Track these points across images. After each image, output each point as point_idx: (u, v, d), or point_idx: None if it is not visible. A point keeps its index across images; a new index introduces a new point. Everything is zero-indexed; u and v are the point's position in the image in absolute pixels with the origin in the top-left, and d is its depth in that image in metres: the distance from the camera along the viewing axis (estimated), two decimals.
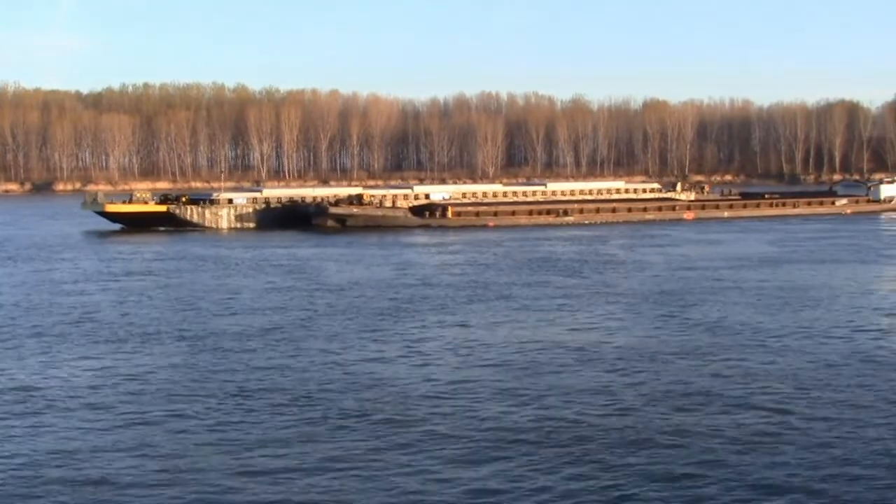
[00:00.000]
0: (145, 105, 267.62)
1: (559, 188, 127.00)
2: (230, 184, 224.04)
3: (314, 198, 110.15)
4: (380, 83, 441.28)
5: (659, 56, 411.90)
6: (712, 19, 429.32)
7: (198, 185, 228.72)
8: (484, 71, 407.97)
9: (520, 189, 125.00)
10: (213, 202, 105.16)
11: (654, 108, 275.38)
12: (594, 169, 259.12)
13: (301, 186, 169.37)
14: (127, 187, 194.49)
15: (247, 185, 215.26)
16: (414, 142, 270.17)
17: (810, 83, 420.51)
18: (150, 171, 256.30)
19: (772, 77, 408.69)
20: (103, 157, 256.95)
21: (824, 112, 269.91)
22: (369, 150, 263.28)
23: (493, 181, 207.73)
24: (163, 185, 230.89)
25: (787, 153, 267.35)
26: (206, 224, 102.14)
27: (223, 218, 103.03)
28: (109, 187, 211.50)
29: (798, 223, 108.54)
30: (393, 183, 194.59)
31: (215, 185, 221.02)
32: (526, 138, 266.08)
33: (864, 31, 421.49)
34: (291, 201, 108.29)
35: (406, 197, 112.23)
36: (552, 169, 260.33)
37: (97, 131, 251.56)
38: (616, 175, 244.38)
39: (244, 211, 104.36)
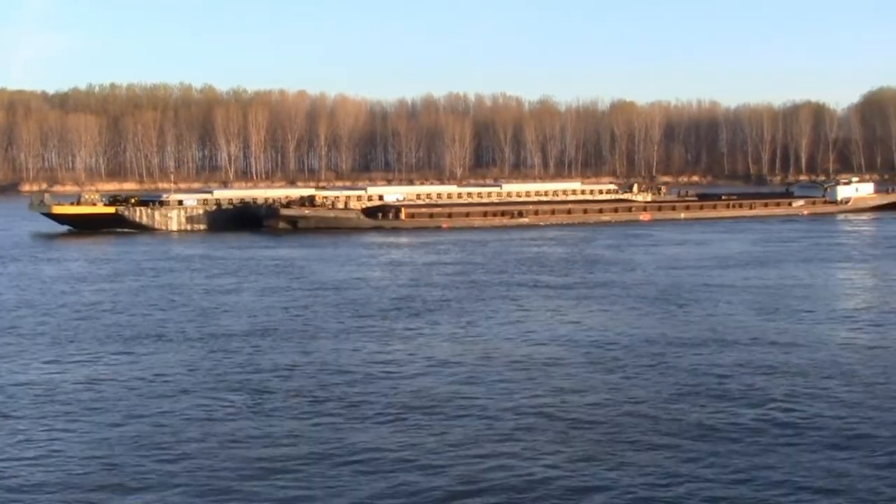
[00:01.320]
0: (112, 105, 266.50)
1: (515, 189, 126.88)
2: (198, 184, 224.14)
3: (266, 199, 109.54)
4: (348, 84, 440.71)
5: (626, 57, 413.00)
6: (679, 21, 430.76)
7: (165, 185, 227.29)
8: (452, 72, 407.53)
9: (475, 190, 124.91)
10: (162, 204, 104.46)
11: (621, 109, 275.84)
12: (562, 170, 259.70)
13: (267, 187, 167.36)
14: (94, 188, 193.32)
15: (214, 185, 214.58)
16: (382, 143, 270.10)
17: (777, 85, 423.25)
18: (117, 171, 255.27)
19: (739, 79, 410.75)
20: (70, 158, 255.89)
21: (790, 113, 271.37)
22: (337, 150, 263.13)
23: (460, 182, 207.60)
24: (130, 185, 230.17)
25: (754, 154, 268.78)
26: (156, 226, 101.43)
27: (173, 220, 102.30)
28: (76, 188, 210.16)
29: (752, 224, 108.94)
30: (361, 184, 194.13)
31: (182, 185, 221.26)
32: (494, 139, 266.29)
33: (830, 33, 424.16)
34: (243, 203, 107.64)
35: (360, 198, 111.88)
36: (520, 170, 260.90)
37: (63, 132, 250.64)
38: (584, 176, 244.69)
39: (194, 213, 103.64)
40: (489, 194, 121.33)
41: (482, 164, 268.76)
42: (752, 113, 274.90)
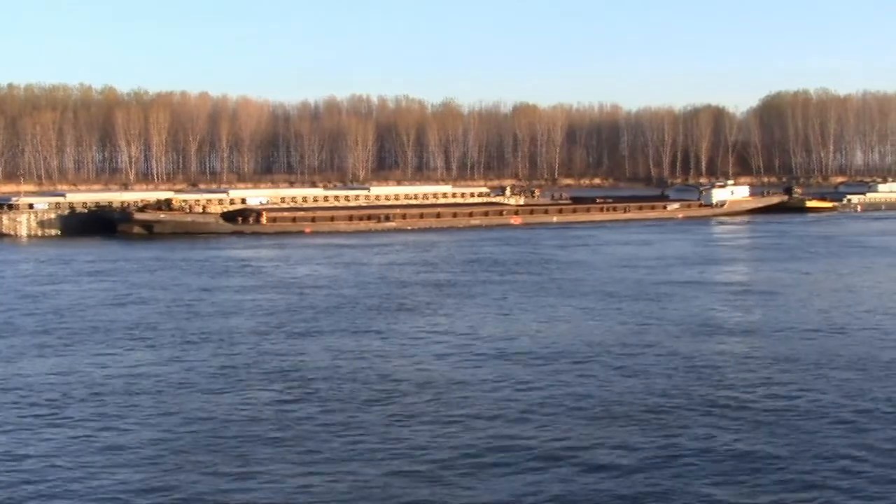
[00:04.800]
0: (9, 106, 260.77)
1: (383, 192, 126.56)
2: (98, 186, 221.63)
3: (122, 203, 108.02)
4: (250, 86, 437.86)
5: (529, 60, 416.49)
6: (581, 25, 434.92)
7: (64, 187, 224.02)
8: (355, 74, 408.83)
9: (341, 193, 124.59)
10: (11, 207, 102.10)
11: (523, 112, 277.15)
12: (465, 172, 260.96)
13: (122, 191, 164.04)
14: None
15: (114, 187, 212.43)
16: (284, 145, 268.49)
17: (677, 89, 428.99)
18: (13, 173, 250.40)
19: (640, 82, 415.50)
20: None
21: (691, 117, 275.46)
22: (239, 152, 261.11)
23: (363, 184, 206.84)
24: (27, 187, 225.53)
25: (655, 157, 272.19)
26: (4, 231, 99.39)
27: (22, 224, 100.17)
28: None
29: (618, 229, 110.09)
30: (263, 186, 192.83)
31: (82, 187, 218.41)
32: (397, 141, 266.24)
33: (730, 38, 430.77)
34: (98, 206, 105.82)
35: (221, 202, 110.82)
36: (423, 172, 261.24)
37: None
38: (486, 178, 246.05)
39: (46, 217, 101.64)
40: (356, 197, 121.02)
41: (385, 166, 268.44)
42: (653, 116, 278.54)
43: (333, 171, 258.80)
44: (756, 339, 39.60)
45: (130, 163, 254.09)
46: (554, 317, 45.45)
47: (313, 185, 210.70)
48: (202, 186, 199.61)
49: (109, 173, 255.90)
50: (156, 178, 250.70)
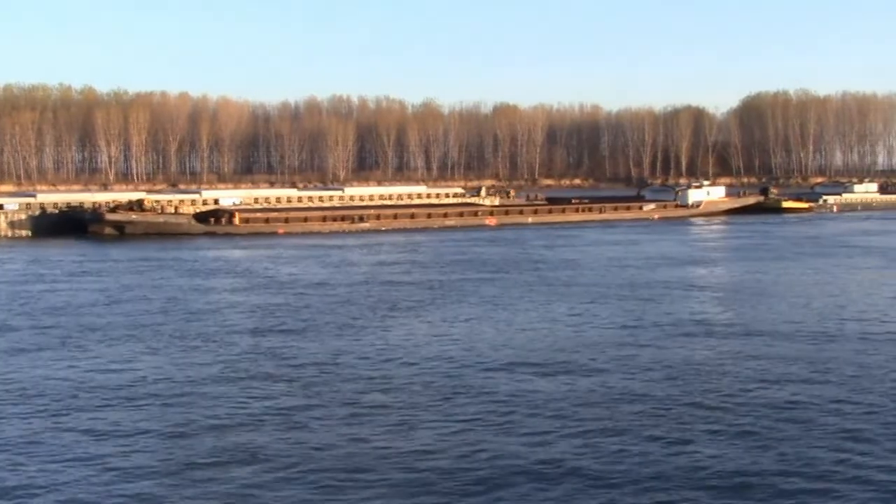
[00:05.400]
0: None
1: (357, 193, 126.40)
2: (78, 186, 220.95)
3: (94, 203, 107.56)
4: (230, 86, 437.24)
5: (509, 61, 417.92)
6: (561, 25, 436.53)
7: (43, 187, 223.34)
8: (335, 75, 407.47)
9: (315, 194, 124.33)
10: None
11: (504, 112, 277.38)
12: (445, 173, 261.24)
13: (97, 191, 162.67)
14: None
15: (94, 188, 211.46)
16: (265, 145, 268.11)
17: (658, 90, 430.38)
18: None
19: (620, 83, 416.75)
20: None
21: (671, 118, 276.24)
22: (219, 153, 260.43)
23: (343, 184, 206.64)
24: (6, 187, 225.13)
25: (636, 157, 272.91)
26: None
27: None
28: None
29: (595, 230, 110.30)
30: (243, 186, 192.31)
31: (61, 187, 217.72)
32: (377, 142, 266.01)
33: (709, 38, 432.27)
34: (69, 207, 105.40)
35: (193, 202, 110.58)
36: (403, 172, 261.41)
37: None
38: (467, 178, 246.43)
39: (16, 218, 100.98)
40: (330, 198, 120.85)
41: (365, 166, 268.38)
42: (633, 117, 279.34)
43: (314, 171, 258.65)
44: (733, 339, 39.71)
45: (110, 163, 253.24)
46: (513, 324, 45.47)
47: (293, 185, 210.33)
48: (182, 187, 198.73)
49: (89, 173, 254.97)
50: (136, 178, 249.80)
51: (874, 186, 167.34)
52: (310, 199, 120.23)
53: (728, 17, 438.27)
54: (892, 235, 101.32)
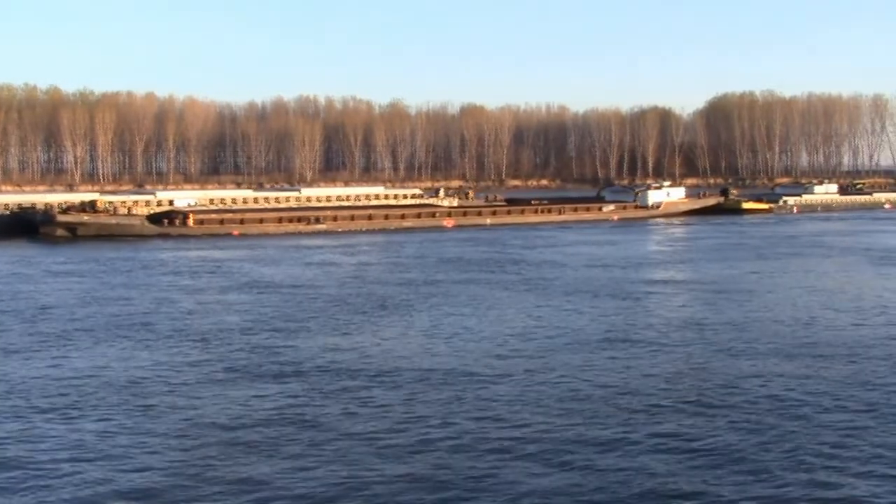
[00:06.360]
0: None
1: (314, 194, 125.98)
2: (43, 187, 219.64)
3: (46, 204, 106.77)
4: (196, 86, 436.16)
5: (476, 62, 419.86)
6: (527, 26, 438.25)
7: (8, 187, 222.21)
8: (302, 75, 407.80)
9: (272, 195, 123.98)
10: None
11: (471, 113, 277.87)
12: (412, 173, 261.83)
13: (47, 191, 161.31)
14: None
15: (59, 188, 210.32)
16: (231, 145, 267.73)
17: (625, 91, 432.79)
18: None
19: (587, 84, 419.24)
20: None
21: (637, 118, 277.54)
22: (186, 153, 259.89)
23: (311, 185, 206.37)
24: None
25: (602, 158, 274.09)
26: None
27: None
28: None
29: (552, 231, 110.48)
30: (210, 186, 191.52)
31: (27, 188, 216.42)
32: (344, 142, 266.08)
33: (675, 39, 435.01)
34: (21, 208, 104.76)
35: (148, 203, 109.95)
36: (370, 173, 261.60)
37: None
38: (434, 179, 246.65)
39: None
40: (287, 199, 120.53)
41: (332, 167, 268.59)
42: (600, 117, 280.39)
43: (280, 171, 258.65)
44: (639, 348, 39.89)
45: (76, 163, 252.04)
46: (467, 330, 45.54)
47: (260, 185, 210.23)
48: (148, 187, 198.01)
49: (55, 174, 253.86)
50: (102, 178, 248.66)
51: (834, 187, 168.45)
52: (266, 200, 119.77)
53: (694, 19, 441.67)
54: (854, 236, 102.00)
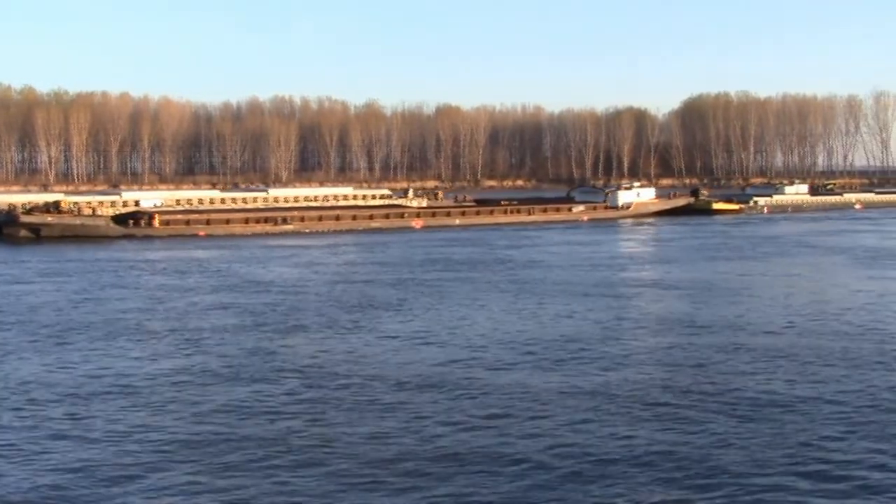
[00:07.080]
0: None
1: (282, 194, 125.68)
2: (17, 187, 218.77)
3: (10, 205, 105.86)
4: (171, 86, 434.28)
5: (452, 62, 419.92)
6: (503, 26, 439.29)
7: None
8: (277, 75, 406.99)
9: (239, 195, 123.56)
10: None
11: (446, 113, 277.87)
12: (387, 173, 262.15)
13: (6, 192, 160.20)
14: None
15: (34, 189, 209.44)
16: (206, 146, 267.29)
17: (600, 92, 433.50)
18: None
19: (563, 85, 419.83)
20: None
21: (613, 119, 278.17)
22: (161, 153, 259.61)
23: (286, 185, 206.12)
24: None
25: (578, 158, 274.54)
26: None
27: None
28: None
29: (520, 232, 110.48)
30: (185, 187, 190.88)
31: (1, 188, 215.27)
32: (319, 143, 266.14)
33: (650, 40, 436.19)
34: None
35: (113, 204, 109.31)
36: (346, 173, 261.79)
37: None
38: (410, 179, 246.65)
39: None
40: (254, 199, 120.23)
41: (308, 167, 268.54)
42: (575, 118, 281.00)
43: (256, 172, 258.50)
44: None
45: (50, 163, 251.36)
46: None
47: (235, 186, 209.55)
48: (123, 187, 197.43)
49: (29, 174, 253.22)
50: (76, 179, 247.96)
51: (805, 188, 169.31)
52: (233, 200, 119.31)
53: (669, 20, 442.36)
54: (825, 236, 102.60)
